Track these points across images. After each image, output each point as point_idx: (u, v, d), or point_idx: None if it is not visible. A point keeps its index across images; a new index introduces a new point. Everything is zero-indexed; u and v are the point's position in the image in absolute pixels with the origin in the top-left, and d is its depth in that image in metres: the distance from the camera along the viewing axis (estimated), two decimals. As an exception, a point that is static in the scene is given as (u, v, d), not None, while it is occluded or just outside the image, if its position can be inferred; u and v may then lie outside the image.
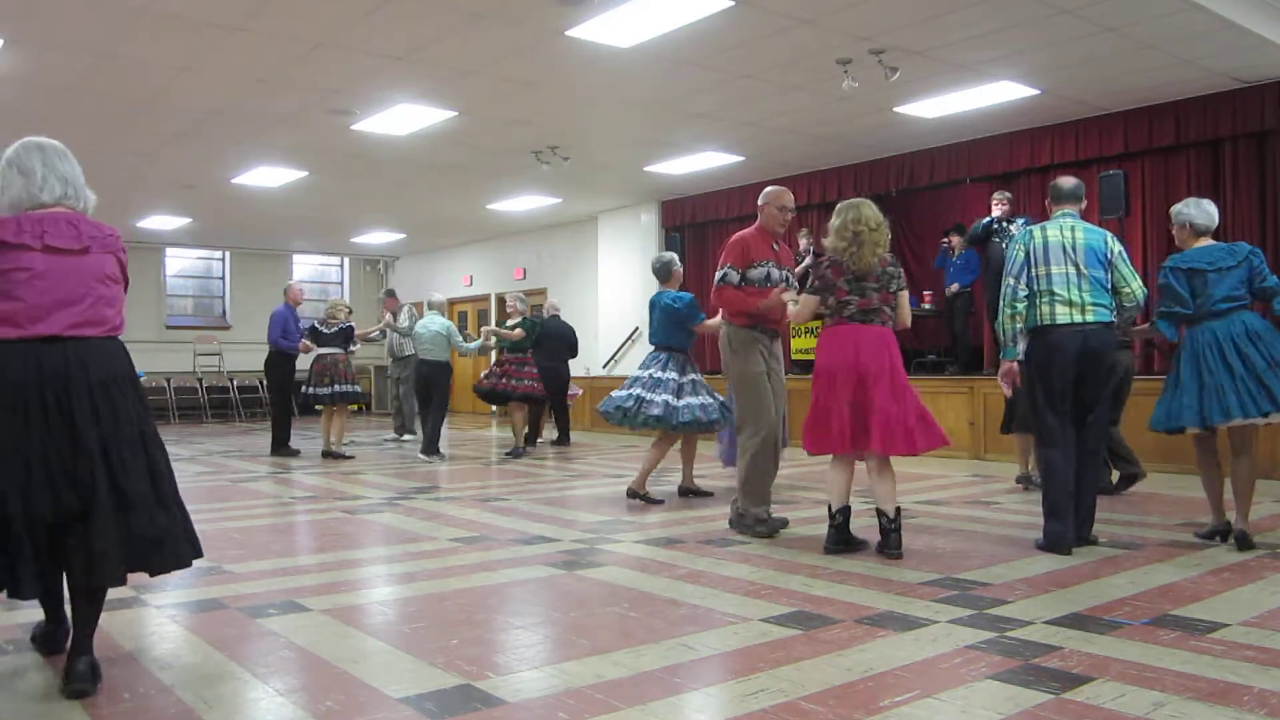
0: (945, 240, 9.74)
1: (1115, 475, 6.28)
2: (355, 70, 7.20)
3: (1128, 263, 4.56)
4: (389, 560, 4.58)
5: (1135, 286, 4.51)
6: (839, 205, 4.60)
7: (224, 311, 17.88)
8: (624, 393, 6.25)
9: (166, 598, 3.77)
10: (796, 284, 5.05)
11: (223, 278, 18.00)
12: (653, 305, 6.48)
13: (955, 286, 9.39)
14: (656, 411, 6.01)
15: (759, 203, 5.14)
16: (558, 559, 4.47)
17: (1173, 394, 4.53)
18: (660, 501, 6.20)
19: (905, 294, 4.56)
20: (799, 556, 4.43)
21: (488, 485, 7.38)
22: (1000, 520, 5.43)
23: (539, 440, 11.01)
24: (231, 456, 9.87)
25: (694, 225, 12.86)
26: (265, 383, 10.99)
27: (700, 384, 6.22)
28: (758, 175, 11.21)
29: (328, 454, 9.26)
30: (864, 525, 4.92)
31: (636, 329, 13.05)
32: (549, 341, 10.09)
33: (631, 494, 6.22)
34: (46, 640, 3.03)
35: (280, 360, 9.53)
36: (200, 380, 16.69)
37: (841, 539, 4.48)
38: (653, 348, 6.49)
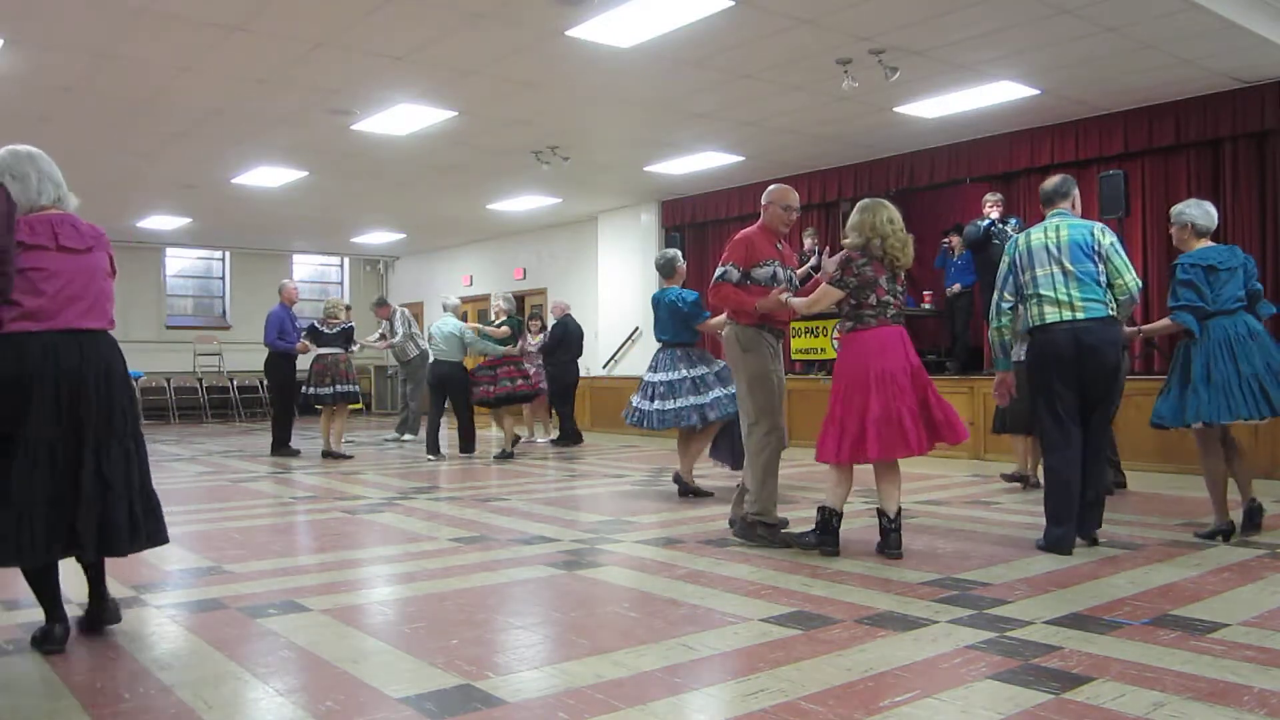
0: (945, 240, 9.73)
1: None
2: (355, 70, 7.21)
3: (1121, 255, 4.43)
4: (389, 560, 4.58)
5: (1128, 278, 4.39)
6: (864, 203, 4.52)
7: (224, 311, 17.88)
8: (648, 404, 6.40)
9: (166, 598, 3.77)
10: (798, 284, 5.01)
11: (223, 278, 18.00)
12: (656, 302, 6.49)
13: (958, 287, 9.38)
14: (694, 420, 6.24)
15: (763, 201, 5.01)
16: (558, 559, 4.47)
17: (1181, 390, 4.55)
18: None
19: None
20: (799, 556, 4.42)
21: (488, 485, 7.38)
22: (1000, 520, 5.42)
23: (532, 439, 11.07)
24: (232, 456, 9.87)
25: (694, 225, 12.87)
26: (266, 383, 11.00)
27: (713, 376, 6.28)
28: (758, 175, 11.22)
29: (328, 454, 9.26)
30: (864, 525, 4.92)
31: (637, 329, 13.05)
32: (573, 343, 10.42)
33: (683, 490, 6.44)
34: (47, 640, 3.04)
35: (280, 361, 9.53)
36: (200, 380, 16.69)
37: (836, 541, 4.47)
38: (660, 345, 6.51)
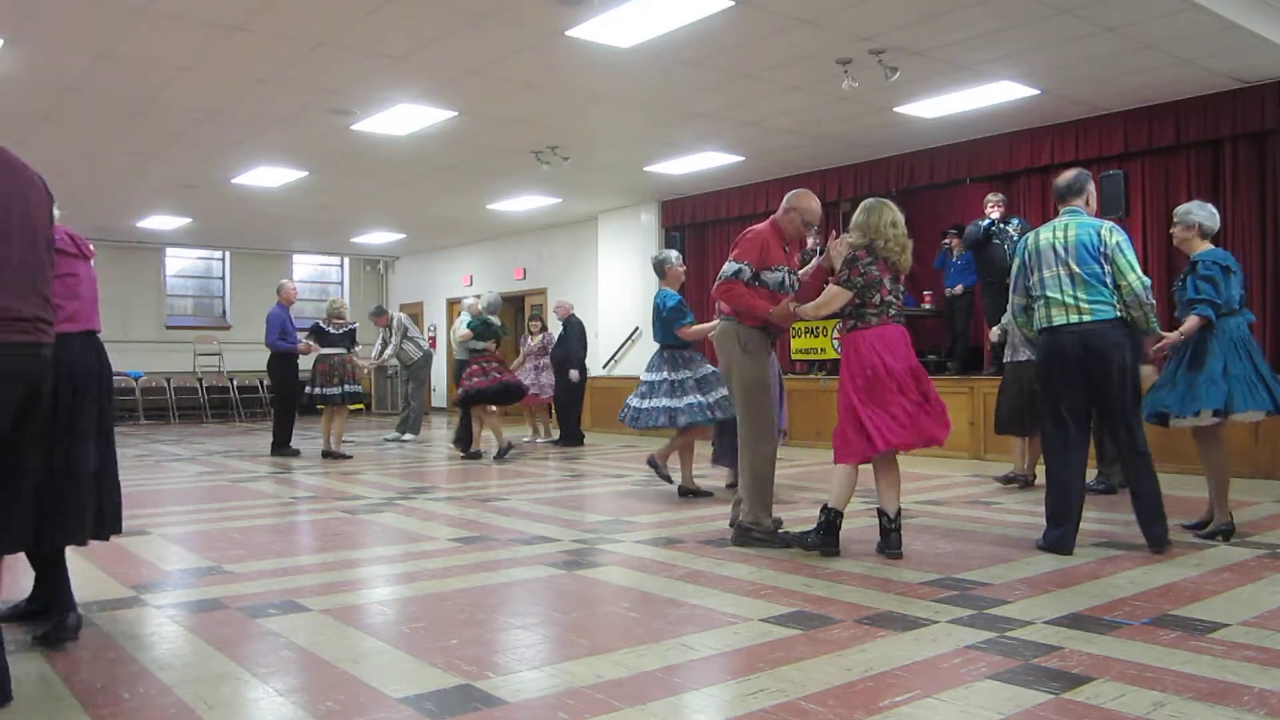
0: (945, 241, 9.73)
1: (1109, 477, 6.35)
2: (355, 70, 7.20)
3: (1125, 255, 4.32)
4: (389, 560, 4.58)
5: (1133, 279, 4.29)
6: (868, 203, 4.51)
7: (224, 311, 17.88)
8: (648, 404, 6.38)
9: (166, 598, 3.77)
10: (797, 286, 4.97)
11: (223, 278, 17.99)
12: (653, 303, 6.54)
13: (959, 288, 9.38)
14: (661, 421, 6.25)
15: (785, 204, 4.82)
16: (558, 559, 4.47)
17: (1189, 382, 4.58)
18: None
19: None
20: (799, 556, 4.42)
21: (488, 485, 7.38)
22: (1000, 520, 5.43)
23: (533, 440, 11.06)
24: (232, 456, 9.87)
25: (694, 225, 12.87)
26: (268, 383, 11.03)
27: (693, 382, 6.29)
28: (758, 175, 11.22)
29: (328, 454, 9.27)
30: (864, 525, 4.92)
31: (637, 329, 13.05)
32: (577, 343, 10.48)
33: (683, 491, 6.45)
34: (59, 630, 3.09)
35: (282, 361, 9.54)
36: (200, 380, 16.69)
37: (837, 542, 4.47)
38: (658, 346, 6.52)
